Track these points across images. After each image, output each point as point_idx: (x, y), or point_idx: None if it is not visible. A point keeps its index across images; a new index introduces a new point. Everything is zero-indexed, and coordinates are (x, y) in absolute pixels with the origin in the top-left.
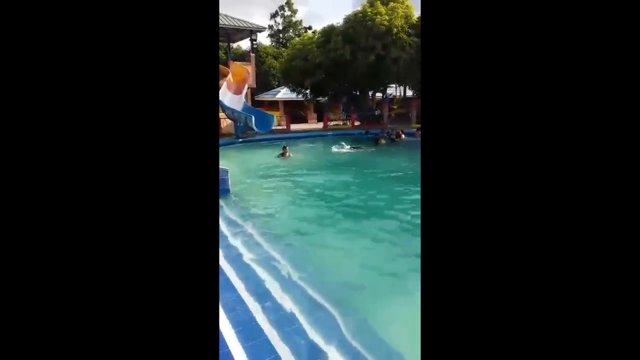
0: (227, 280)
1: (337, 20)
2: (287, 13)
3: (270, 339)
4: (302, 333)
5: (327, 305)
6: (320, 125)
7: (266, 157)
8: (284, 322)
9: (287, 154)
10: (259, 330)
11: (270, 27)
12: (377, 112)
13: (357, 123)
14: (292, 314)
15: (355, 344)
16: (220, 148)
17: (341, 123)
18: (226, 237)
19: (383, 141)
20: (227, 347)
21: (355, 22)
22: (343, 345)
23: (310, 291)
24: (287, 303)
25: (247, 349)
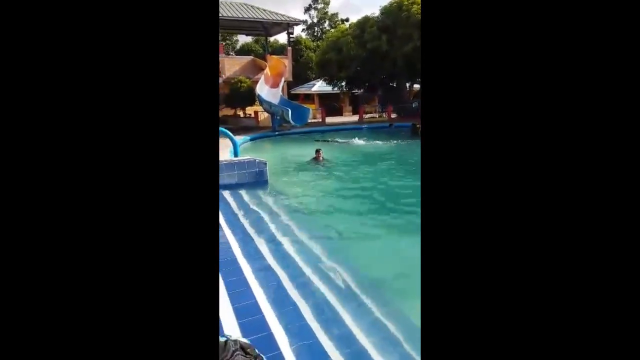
0: (267, 265)
1: (374, 10)
2: (321, 5)
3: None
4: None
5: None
6: (355, 117)
7: (301, 149)
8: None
9: (321, 157)
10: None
11: (305, 21)
12: (414, 104)
13: (393, 115)
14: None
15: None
16: (258, 141)
17: (377, 115)
18: (267, 224)
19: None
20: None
21: (392, 12)
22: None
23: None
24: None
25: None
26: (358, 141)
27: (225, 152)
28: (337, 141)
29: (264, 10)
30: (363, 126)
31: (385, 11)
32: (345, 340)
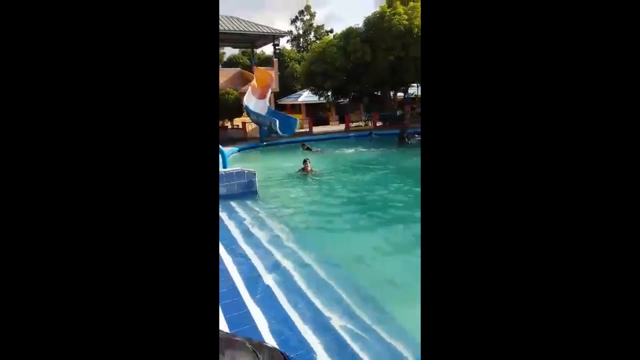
0: (258, 276)
1: (358, 21)
2: (307, 17)
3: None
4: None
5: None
6: (342, 127)
7: (289, 159)
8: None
9: (309, 168)
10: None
11: (290, 32)
12: (398, 113)
13: (379, 123)
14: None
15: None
16: (246, 151)
17: (363, 124)
18: (254, 234)
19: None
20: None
21: (374, 24)
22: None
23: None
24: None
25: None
26: (344, 150)
27: None
28: (322, 151)
29: (250, 22)
30: (350, 135)
31: (368, 22)
32: (335, 344)
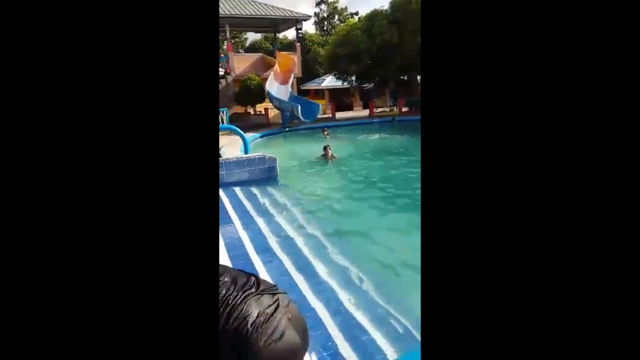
0: (277, 259)
1: (383, 4)
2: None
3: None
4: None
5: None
6: (366, 112)
7: (310, 145)
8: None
9: (330, 154)
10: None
11: (316, 14)
12: None
13: (404, 109)
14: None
15: None
16: (268, 137)
17: (388, 110)
18: (274, 217)
19: None
20: None
21: (401, 5)
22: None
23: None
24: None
25: None
26: (367, 136)
27: (236, 149)
28: (338, 137)
29: (273, 6)
30: (374, 120)
31: (395, 4)
32: (354, 330)
